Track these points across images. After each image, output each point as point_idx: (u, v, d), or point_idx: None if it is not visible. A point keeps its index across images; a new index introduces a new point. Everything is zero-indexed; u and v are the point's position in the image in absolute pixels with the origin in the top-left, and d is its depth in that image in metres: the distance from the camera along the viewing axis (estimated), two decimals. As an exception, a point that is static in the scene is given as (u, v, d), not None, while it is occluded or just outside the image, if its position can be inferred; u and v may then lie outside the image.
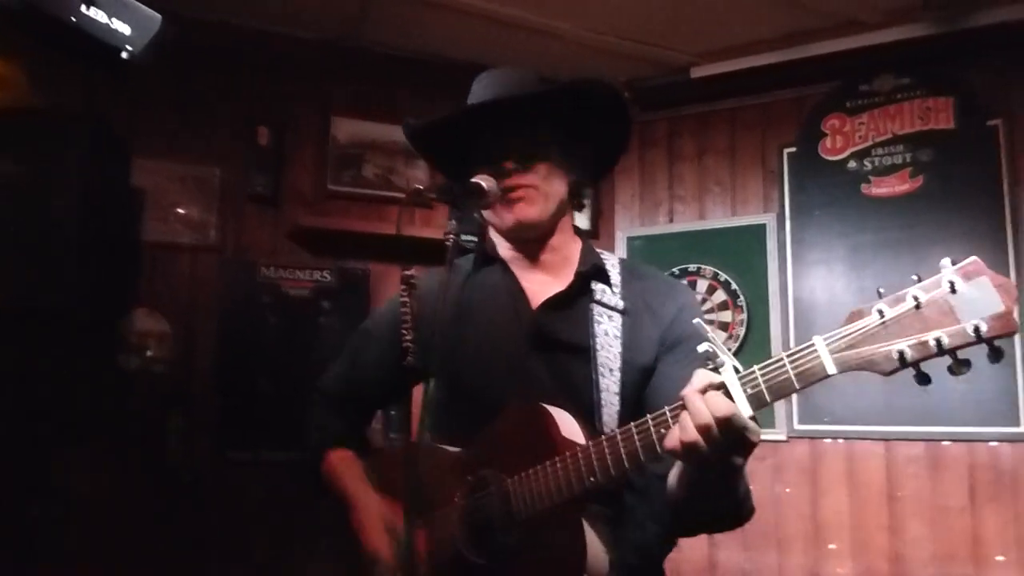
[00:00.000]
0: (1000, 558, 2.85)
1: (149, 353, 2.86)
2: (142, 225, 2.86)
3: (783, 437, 3.22)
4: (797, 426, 3.21)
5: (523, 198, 1.40)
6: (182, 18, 2.87)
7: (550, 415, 1.25)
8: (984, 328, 0.90)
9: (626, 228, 3.68)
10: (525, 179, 1.40)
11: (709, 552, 3.28)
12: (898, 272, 3.11)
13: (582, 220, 3.57)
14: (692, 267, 3.49)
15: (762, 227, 3.41)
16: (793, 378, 1.01)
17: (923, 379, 0.96)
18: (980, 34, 2.98)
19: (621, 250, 3.64)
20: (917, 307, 0.94)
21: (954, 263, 0.94)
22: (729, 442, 1.04)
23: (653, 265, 3.39)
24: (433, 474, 1.34)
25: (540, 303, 1.42)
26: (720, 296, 3.43)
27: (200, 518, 2.82)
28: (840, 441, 3.15)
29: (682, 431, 1.06)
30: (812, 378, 1.00)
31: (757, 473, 3.25)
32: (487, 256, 1.51)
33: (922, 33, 3.00)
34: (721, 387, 1.05)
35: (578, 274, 1.44)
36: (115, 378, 2.73)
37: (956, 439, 2.97)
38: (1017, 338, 2.90)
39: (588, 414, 1.32)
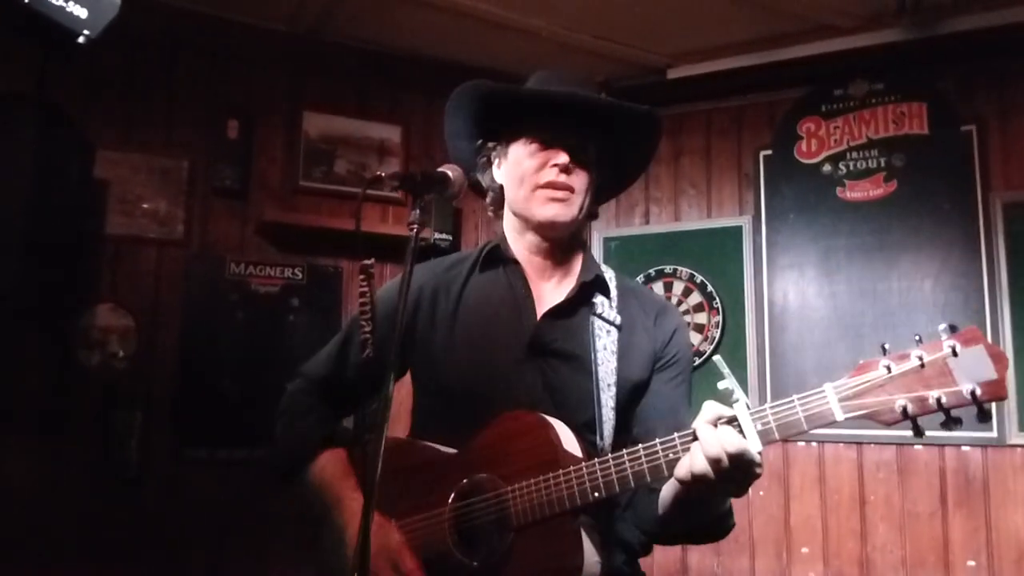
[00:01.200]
0: (971, 563, 2.85)
1: (111, 349, 2.80)
2: (105, 217, 2.81)
3: (756, 441, 3.21)
4: (770, 430, 3.19)
5: (564, 200, 1.41)
6: (152, 5, 2.85)
7: (552, 427, 1.26)
8: (979, 392, 1.01)
9: (602, 229, 3.66)
10: (571, 180, 1.41)
11: (682, 555, 3.26)
12: (871, 277, 3.12)
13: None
14: (668, 268, 3.48)
15: (738, 229, 3.40)
16: (803, 419, 1.09)
17: (918, 432, 1.06)
18: (953, 40, 2.99)
19: (597, 251, 3.62)
20: (921, 367, 1.04)
21: (953, 330, 1.04)
22: (737, 475, 1.10)
23: (630, 266, 3.45)
24: (426, 473, 1.33)
25: (544, 311, 1.42)
26: (696, 298, 3.41)
27: (151, 516, 2.78)
28: (813, 444, 3.14)
29: (693, 461, 1.11)
30: (820, 421, 1.08)
31: (729, 477, 3.23)
32: (500, 256, 1.49)
33: (896, 39, 3.02)
34: (732, 421, 1.11)
35: (581, 283, 1.44)
36: (69, 372, 2.68)
37: (927, 443, 2.97)
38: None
39: (584, 427, 1.33)
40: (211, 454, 2.88)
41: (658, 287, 3.46)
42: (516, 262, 1.46)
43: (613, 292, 1.47)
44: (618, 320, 1.42)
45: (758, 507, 3.19)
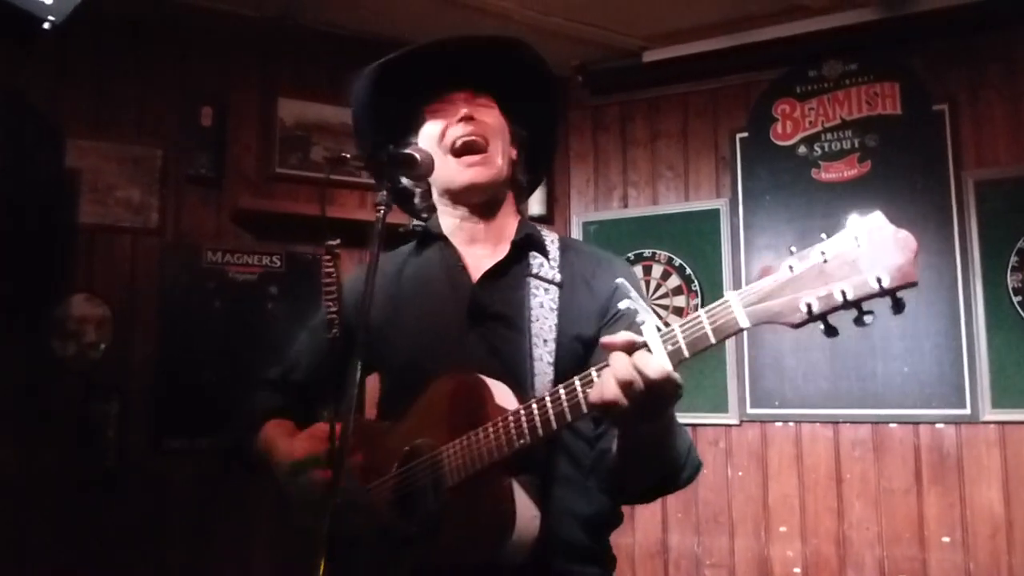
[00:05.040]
0: (945, 539, 2.89)
1: (87, 339, 2.78)
2: (78, 207, 2.79)
3: (735, 421, 3.24)
4: (749, 410, 3.22)
5: (480, 163, 1.41)
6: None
7: (486, 384, 1.25)
8: (886, 279, 0.93)
9: (581, 213, 3.67)
10: (479, 127, 1.42)
11: (662, 536, 3.29)
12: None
13: (537, 205, 3.55)
14: (647, 252, 3.49)
15: (715, 212, 3.41)
16: (709, 332, 1.02)
17: (830, 331, 0.98)
18: (925, 20, 3.01)
19: (576, 235, 3.63)
20: (824, 261, 0.97)
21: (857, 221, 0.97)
22: (651, 395, 1.05)
23: (609, 250, 3.44)
24: (370, 448, 1.33)
25: (479, 276, 1.43)
26: (674, 281, 3.43)
27: (131, 506, 2.77)
28: (790, 424, 3.17)
29: (604, 386, 1.06)
30: (727, 331, 1.02)
31: (710, 457, 3.27)
32: (430, 234, 1.51)
33: (868, 19, 3.03)
34: (644, 345, 1.06)
35: (513, 244, 1.44)
36: (44, 363, 2.66)
37: (902, 421, 3.00)
38: (963, 321, 2.94)
39: (522, 384, 1.32)
40: (190, 443, 2.88)
41: (637, 271, 3.47)
42: (445, 237, 1.49)
43: (555, 253, 1.46)
44: (558, 278, 1.42)
45: (737, 487, 3.23)
